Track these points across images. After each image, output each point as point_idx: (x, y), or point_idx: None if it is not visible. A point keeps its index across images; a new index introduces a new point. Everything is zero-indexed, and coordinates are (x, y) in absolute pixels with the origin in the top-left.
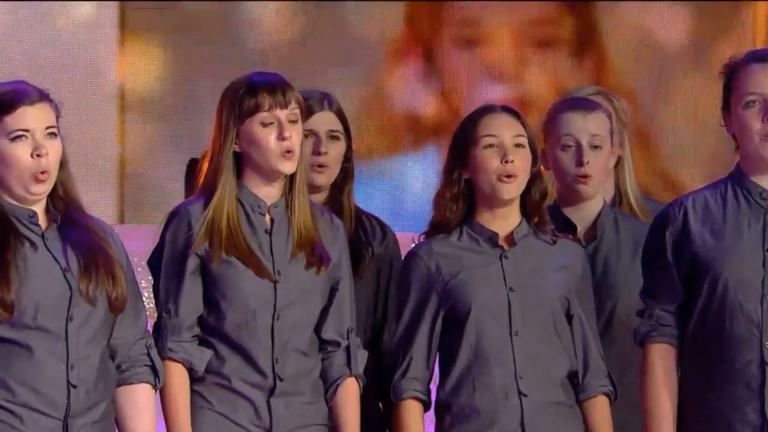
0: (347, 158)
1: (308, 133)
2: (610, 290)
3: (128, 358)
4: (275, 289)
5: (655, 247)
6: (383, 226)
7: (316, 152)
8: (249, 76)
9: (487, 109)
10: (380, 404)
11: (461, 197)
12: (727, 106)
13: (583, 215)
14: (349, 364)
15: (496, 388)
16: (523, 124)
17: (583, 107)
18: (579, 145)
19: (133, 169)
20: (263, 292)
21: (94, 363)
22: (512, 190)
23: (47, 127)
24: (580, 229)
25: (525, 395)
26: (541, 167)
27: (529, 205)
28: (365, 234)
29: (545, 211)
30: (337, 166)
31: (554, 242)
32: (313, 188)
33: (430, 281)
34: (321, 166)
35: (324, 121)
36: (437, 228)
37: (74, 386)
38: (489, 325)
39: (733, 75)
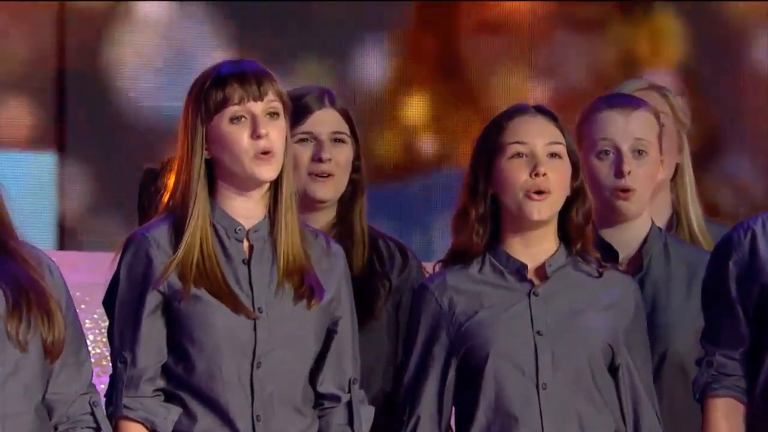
0: (355, 168)
1: (306, 137)
2: (660, 333)
3: (67, 418)
4: (255, 329)
5: (717, 280)
6: (404, 251)
7: (318, 158)
8: (218, 65)
9: (516, 111)
10: None
11: (488, 218)
12: None
13: (626, 239)
14: (351, 423)
15: None
16: (561, 129)
17: (624, 104)
18: (619, 152)
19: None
20: (240, 333)
21: (26, 422)
22: (543, 209)
23: None
24: (623, 257)
25: None
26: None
27: (569, 228)
28: (381, 262)
29: (590, 236)
30: (344, 175)
31: (600, 275)
32: (316, 204)
33: (441, 322)
34: (324, 174)
35: (325, 121)
36: (459, 255)
37: None
38: (511, 376)
39: None
